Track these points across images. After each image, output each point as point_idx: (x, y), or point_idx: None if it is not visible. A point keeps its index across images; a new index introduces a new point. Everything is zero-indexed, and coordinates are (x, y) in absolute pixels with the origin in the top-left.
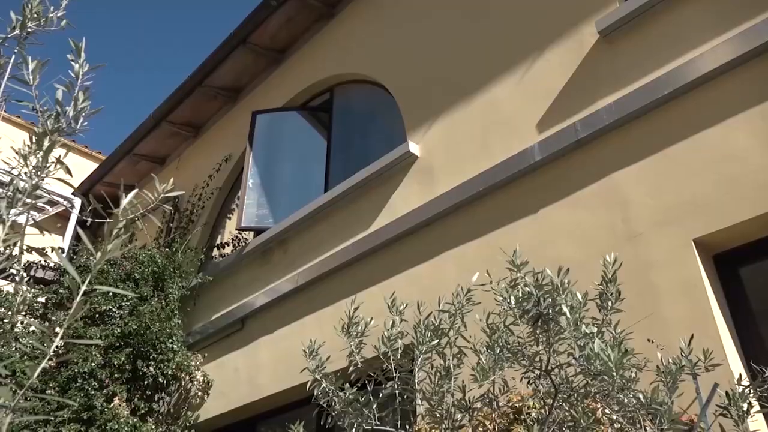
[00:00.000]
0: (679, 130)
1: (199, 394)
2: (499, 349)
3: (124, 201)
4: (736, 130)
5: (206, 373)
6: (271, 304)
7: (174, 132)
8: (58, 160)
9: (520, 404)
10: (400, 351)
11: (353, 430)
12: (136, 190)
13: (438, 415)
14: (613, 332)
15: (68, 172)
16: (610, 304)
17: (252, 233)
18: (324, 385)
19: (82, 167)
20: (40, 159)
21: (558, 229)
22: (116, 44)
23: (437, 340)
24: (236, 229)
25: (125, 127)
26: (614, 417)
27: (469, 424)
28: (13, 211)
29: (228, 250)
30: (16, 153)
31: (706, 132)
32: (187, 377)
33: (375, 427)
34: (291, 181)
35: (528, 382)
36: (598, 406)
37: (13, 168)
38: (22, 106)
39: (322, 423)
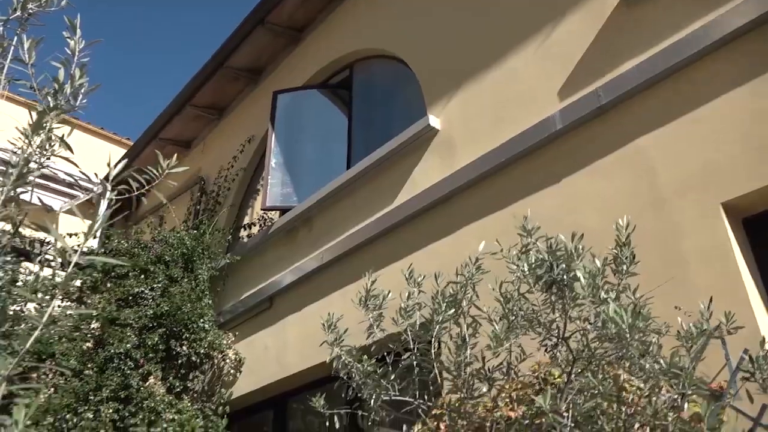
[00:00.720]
0: (705, 92)
1: (232, 371)
2: (513, 317)
3: (114, 171)
4: (764, 90)
5: (238, 352)
6: (297, 282)
7: (198, 115)
8: (61, 139)
9: (546, 373)
10: (417, 323)
11: (372, 400)
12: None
13: (458, 385)
14: (632, 297)
15: (69, 149)
16: (624, 268)
17: (277, 212)
18: (343, 357)
19: (113, 154)
20: (44, 138)
21: (582, 198)
22: (141, 29)
23: (453, 310)
24: (261, 209)
25: (155, 113)
26: (636, 383)
27: (489, 393)
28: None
29: (254, 230)
30: (21, 133)
31: (733, 92)
32: (219, 355)
33: (393, 397)
34: (314, 159)
35: (545, 350)
36: (620, 372)
37: (18, 148)
38: (22, 85)
39: (343, 396)
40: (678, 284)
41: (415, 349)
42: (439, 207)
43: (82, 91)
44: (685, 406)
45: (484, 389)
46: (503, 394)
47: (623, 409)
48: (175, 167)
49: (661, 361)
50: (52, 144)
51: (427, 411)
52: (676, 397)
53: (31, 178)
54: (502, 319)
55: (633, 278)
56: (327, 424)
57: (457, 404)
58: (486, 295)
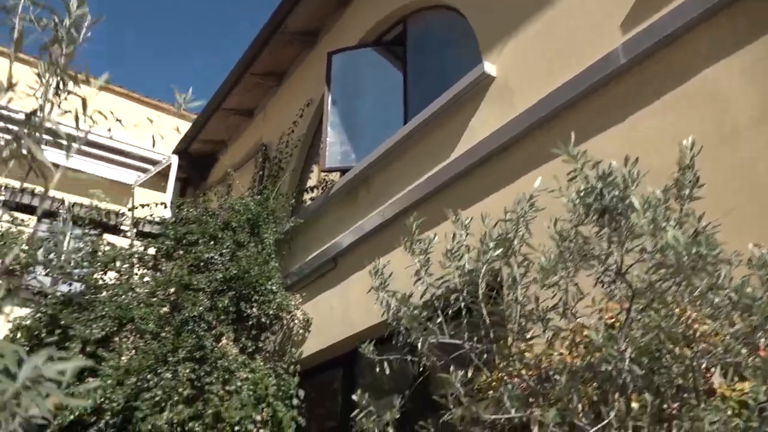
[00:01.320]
0: None
1: (300, 332)
2: (566, 251)
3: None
4: None
5: (305, 312)
6: (359, 241)
7: (257, 83)
8: (70, 92)
9: (604, 311)
10: (466, 265)
11: (420, 344)
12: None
13: (511, 328)
14: (696, 224)
15: (84, 105)
16: (687, 192)
17: (337, 174)
18: (392, 303)
19: (181, 128)
20: (52, 91)
21: (649, 136)
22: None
23: (501, 249)
24: (321, 171)
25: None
26: (704, 319)
27: (544, 336)
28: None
29: (316, 193)
30: (38, 82)
31: None
32: (288, 316)
33: (442, 341)
34: (371, 118)
35: (602, 287)
36: (686, 307)
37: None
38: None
39: (395, 342)
40: (754, 218)
41: (464, 292)
42: (498, 156)
43: (85, 24)
44: (762, 341)
45: (539, 332)
46: (560, 336)
47: (690, 347)
48: (192, 101)
49: (732, 295)
50: (66, 86)
51: (479, 355)
52: (747, 331)
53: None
54: (555, 257)
55: (700, 209)
56: (393, 378)
57: (511, 348)
58: (541, 234)
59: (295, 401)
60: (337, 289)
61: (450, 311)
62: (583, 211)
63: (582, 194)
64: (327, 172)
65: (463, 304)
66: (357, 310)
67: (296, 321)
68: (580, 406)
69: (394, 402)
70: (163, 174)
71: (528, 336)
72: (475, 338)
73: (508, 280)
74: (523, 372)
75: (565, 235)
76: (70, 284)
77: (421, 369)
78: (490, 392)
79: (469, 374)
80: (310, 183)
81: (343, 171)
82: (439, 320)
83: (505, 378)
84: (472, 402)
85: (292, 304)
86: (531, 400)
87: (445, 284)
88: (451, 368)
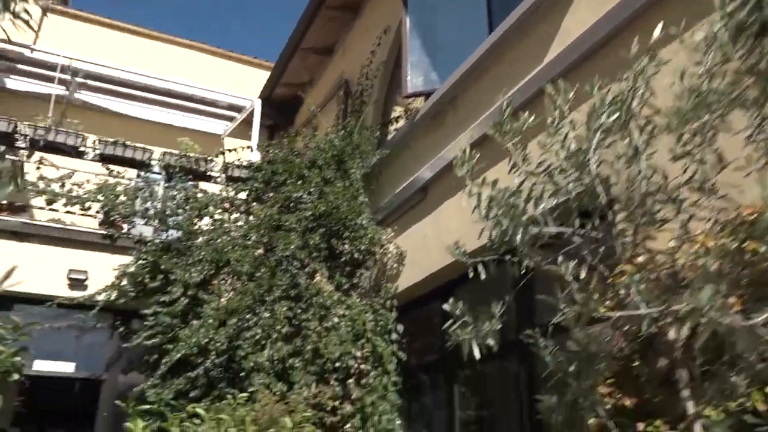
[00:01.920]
0: None
1: (395, 266)
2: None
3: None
4: None
5: (398, 245)
6: (448, 167)
7: (333, 17)
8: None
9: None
10: (571, 145)
11: (518, 238)
12: None
13: (633, 212)
14: None
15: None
16: None
17: (421, 100)
18: (503, 223)
19: (260, 78)
20: None
21: None
22: None
23: (617, 115)
24: (403, 97)
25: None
26: None
27: (677, 219)
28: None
29: (401, 122)
30: None
31: None
32: (380, 250)
33: (545, 230)
34: (452, 34)
35: (757, 145)
36: None
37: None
38: None
39: (488, 242)
40: None
41: (570, 175)
42: (596, 54)
43: None
44: None
45: (668, 214)
46: (699, 218)
47: None
48: None
49: None
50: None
51: (593, 250)
52: None
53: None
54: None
55: None
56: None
57: (636, 236)
58: (662, 94)
59: (393, 336)
60: (429, 219)
61: (554, 201)
62: (728, 37)
63: (729, 9)
64: (410, 98)
65: (569, 185)
66: (452, 238)
67: (389, 255)
68: (732, 299)
69: (494, 311)
70: (248, 122)
71: (657, 219)
72: (588, 227)
73: (628, 151)
74: (654, 262)
75: (697, 89)
76: (168, 231)
77: (523, 271)
78: (611, 290)
79: (583, 274)
80: (394, 113)
81: (427, 95)
82: (540, 207)
83: (632, 271)
84: (589, 298)
85: (384, 238)
86: (663, 297)
87: (546, 173)
88: (560, 261)
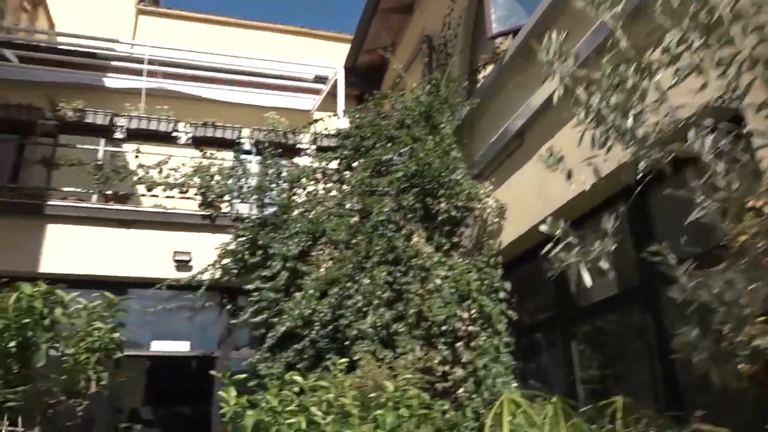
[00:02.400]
0: None
1: (496, 221)
2: None
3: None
4: None
5: (497, 199)
6: (545, 106)
7: None
8: None
9: None
10: None
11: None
12: None
13: None
14: None
15: None
16: None
17: (509, 39)
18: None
19: (343, 50)
20: None
21: None
22: None
23: None
24: (490, 38)
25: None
26: None
27: None
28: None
29: (489, 68)
30: None
31: None
32: (479, 206)
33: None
34: None
35: None
36: None
37: None
38: None
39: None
40: None
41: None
42: None
43: None
44: None
45: None
46: None
47: None
48: None
49: None
50: None
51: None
52: None
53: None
54: None
55: None
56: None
57: None
58: None
59: (501, 295)
60: (529, 166)
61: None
62: None
63: None
64: (496, 38)
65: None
66: (556, 182)
67: (489, 210)
68: None
69: (606, 227)
70: (334, 94)
71: None
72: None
73: None
74: None
75: None
76: (263, 207)
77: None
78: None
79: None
80: (480, 60)
81: (514, 32)
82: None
83: None
84: (741, 178)
85: (482, 193)
86: None
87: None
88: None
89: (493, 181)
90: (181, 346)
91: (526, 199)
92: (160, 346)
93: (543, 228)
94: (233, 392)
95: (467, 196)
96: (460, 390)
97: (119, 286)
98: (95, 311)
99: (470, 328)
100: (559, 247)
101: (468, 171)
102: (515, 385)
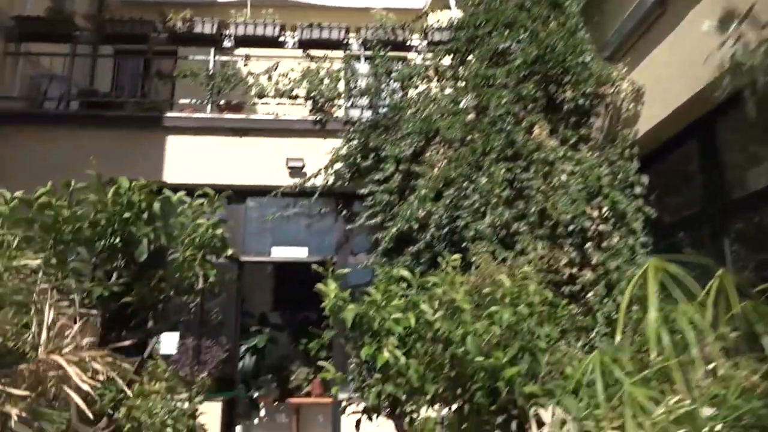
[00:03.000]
0: None
1: (631, 106)
2: None
3: None
4: None
5: (633, 81)
6: None
7: None
8: None
9: None
10: None
11: None
12: None
13: None
14: None
15: None
16: None
17: None
18: None
19: None
20: None
21: None
22: None
23: None
24: None
25: None
26: None
27: None
28: None
29: None
30: None
31: None
32: (612, 91)
33: None
34: None
35: None
36: None
37: None
38: None
39: None
40: None
41: None
42: None
43: None
44: None
45: None
46: None
47: None
48: None
49: None
50: None
51: None
52: None
53: None
54: None
55: None
56: None
57: None
58: None
59: (637, 190)
60: (671, 39)
61: None
62: None
63: None
64: None
65: None
66: (703, 56)
67: (623, 95)
68: None
69: None
70: None
71: None
72: None
73: None
74: None
75: None
76: (374, 108)
77: None
78: None
79: None
80: None
81: None
82: None
83: None
84: None
85: (615, 76)
86: None
87: None
88: None
89: (628, 62)
90: (300, 252)
91: (669, 78)
92: (279, 253)
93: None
94: (333, 284)
95: (597, 81)
96: (590, 294)
97: (237, 194)
98: (199, 209)
99: (601, 227)
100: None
101: (598, 53)
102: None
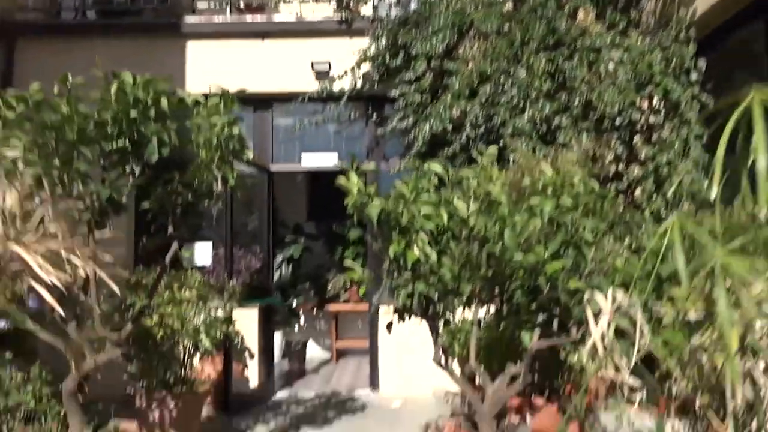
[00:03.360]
0: None
1: None
2: None
3: None
4: None
5: None
6: None
7: None
8: None
9: None
10: None
11: None
12: None
13: None
14: None
15: None
16: None
17: None
18: None
19: None
20: None
21: None
22: None
23: None
24: None
25: None
26: None
27: None
28: None
29: None
30: None
31: None
32: None
33: None
34: None
35: None
36: None
37: None
38: None
39: None
40: None
41: None
42: None
43: None
44: None
45: None
46: None
47: None
48: None
49: None
50: None
51: None
52: None
53: None
54: None
55: None
56: None
57: None
58: None
59: (693, 76)
60: None
61: None
62: None
63: None
64: None
65: None
66: None
67: None
68: None
69: None
70: None
71: None
72: None
73: None
74: None
75: None
76: (402, 4)
77: None
78: None
79: None
80: None
81: None
82: None
83: None
84: None
85: None
86: None
87: None
88: None
89: None
90: (330, 159)
91: None
92: (309, 161)
93: None
94: (355, 178)
95: None
96: (637, 191)
97: (262, 101)
98: (214, 109)
99: (651, 119)
100: None
101: None
102: (708, 185)
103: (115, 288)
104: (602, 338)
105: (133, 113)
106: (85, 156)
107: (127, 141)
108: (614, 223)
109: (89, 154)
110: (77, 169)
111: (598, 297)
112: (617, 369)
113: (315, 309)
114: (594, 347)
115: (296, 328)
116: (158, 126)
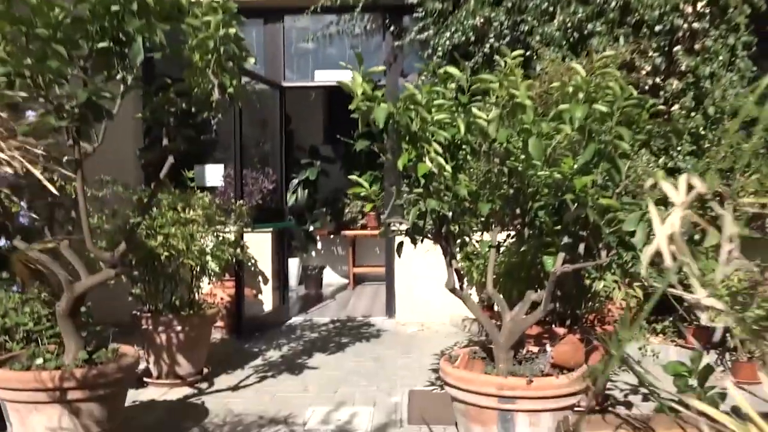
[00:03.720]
0: None
1: None
2: None
3: None
4: None
5: None
6: None
7: None
8: None
9: None
10: None
11: None
12: None
13: None
14: None
15: None
16: None
17: None
18: None
19: None
20: None
21: None
22: None
23: None
24: None
25: None
26: None
27: None
28: None
29: None
30: None
31: None
32: None
33: None
34: None
35: None
36: None
37: None
38: None
39: None
40: None
41: None
42: None
43: None
44: None
45: None
46: None
47: None
48: None
49: None
50: None
51: None
52: None
53: None
54: None
55: None
56: None
57: None
58: None
59: None
60: None
61: None
62: None
63: None
64: None
65: None
66: None
67: None
68: None
69: None
70: None
71: None
72: None
73: None
74: None
75: None
76: None
77: None
78: None
79: None
80: None
81: None
82: None
83: None
84: None
85: None
86: None
87: None
88: None
89: None
90: (345, 75)
91: None
92: (323, 76)
93: None
94: (360, 78)
95: None
96: (674, 107)
97: (272, 12)
98: (208, 6)
99: (695, 25)
100: None
101: None
102: (752, 100)
103: (53, 189)
104: (669, 242)
105: (114, 7)
106: (60, 55)
107: (110, 42)
108: (652, 136)
109: (63, 52)
110: (49, 67)
111: (664, 185)
112: (680, 286)
113: (332, 234)
114: (657, 254)
115: (313, 254)
116: (143, 23)
